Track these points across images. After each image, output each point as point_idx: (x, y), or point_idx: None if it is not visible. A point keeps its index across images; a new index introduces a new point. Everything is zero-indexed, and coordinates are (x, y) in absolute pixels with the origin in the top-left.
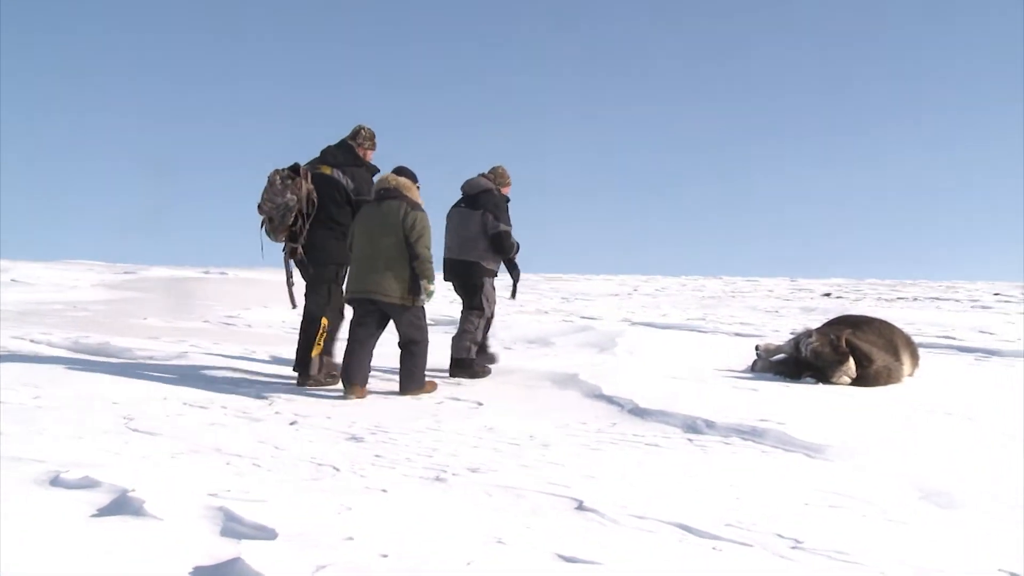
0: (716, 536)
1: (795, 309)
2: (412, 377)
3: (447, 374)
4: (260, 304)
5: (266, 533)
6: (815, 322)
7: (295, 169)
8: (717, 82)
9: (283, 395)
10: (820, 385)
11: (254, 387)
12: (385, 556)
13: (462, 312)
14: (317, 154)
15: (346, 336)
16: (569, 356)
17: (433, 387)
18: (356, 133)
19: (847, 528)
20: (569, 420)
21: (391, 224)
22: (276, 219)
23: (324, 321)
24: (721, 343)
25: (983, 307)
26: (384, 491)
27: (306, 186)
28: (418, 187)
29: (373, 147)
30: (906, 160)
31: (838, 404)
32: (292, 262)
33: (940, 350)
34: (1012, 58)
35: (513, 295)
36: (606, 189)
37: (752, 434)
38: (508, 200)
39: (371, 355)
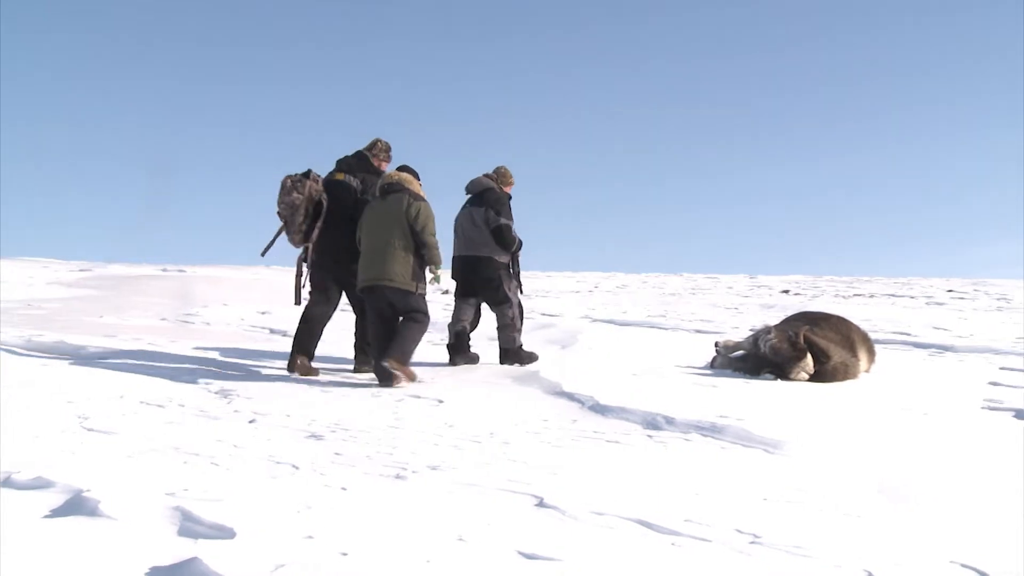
0: (675, 532)
1: (754, 306)
2: (402, 346)
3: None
4: (219, 302)
5: (224, 532)
6: (774, 319)
7: (307, 174)
8: (679, 81)
9: (241, 393)
10: (778, 381)
11: (212, 385)
12: (345, 554)
13: (495, 311)
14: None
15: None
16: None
17: (412, 377)
18: (373, 144)
19: (805, 523)
20: (530, 417)
21: (395, 215)
22: (288, 220)
23: None
24: (681, 340)
25: (937, 303)
26: (344, 489)
27: (314, 187)
28: (420, 183)
29: (388, 159)
30: (863, 159)
31: (796, 400)
32: (304, 263)
33: (896, 346)
34: (972, 57)
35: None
36: (567, 186)
37: (711, 430)
38: (510, 198)
39: (393, 328)
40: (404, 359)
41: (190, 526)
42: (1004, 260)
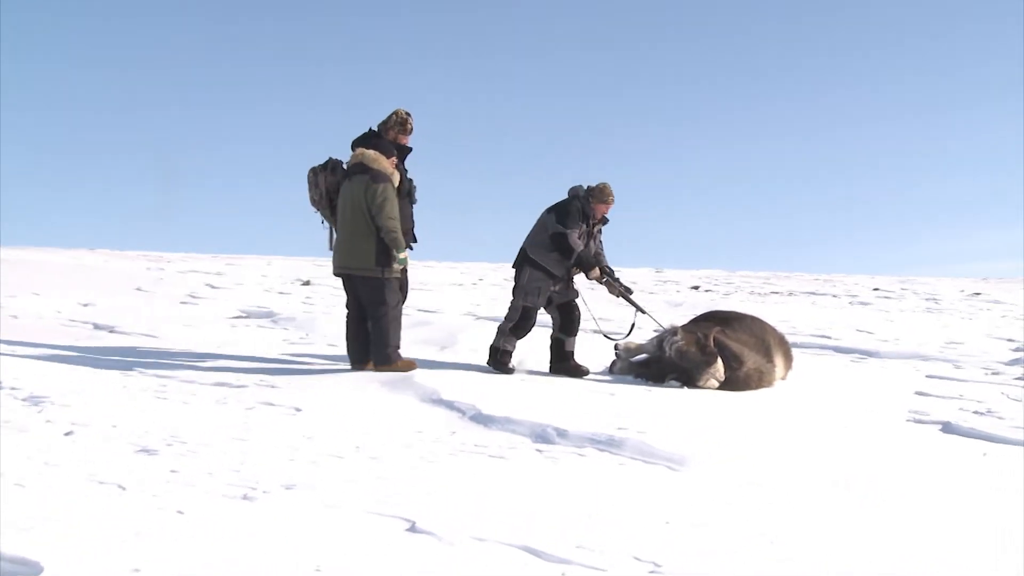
0: (566, 560)
1: (660, 303)
2: (379, 352)
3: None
4: (31, 291)
5: (29, 567)
6: (682, 318)
7: (325, 165)
8: (581, 61)
9: (57, 400)
10: (685, 389)
11: (19, 390)
12: None
13: None
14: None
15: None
16: (404, 354)
17: (409, 366)
18: (388, 118)
19: (711, 549)
20: (402, 428)
21: (356, 199)
22: (319, 211)
23: None
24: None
25: (862, 303)
26: (180, 513)
27: (330, 179)
28: (393, 158)
29: (405, 131)
30: (779, 143)
31: (704, 410)
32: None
33: (815, 350)
34: (890, 45)
35: (636, 311)
36: (448, 165)
37: (609, 444)
38: (598, 219)
39: (366, 328)
40: (389, 359)
41: None
42: (934, 257)
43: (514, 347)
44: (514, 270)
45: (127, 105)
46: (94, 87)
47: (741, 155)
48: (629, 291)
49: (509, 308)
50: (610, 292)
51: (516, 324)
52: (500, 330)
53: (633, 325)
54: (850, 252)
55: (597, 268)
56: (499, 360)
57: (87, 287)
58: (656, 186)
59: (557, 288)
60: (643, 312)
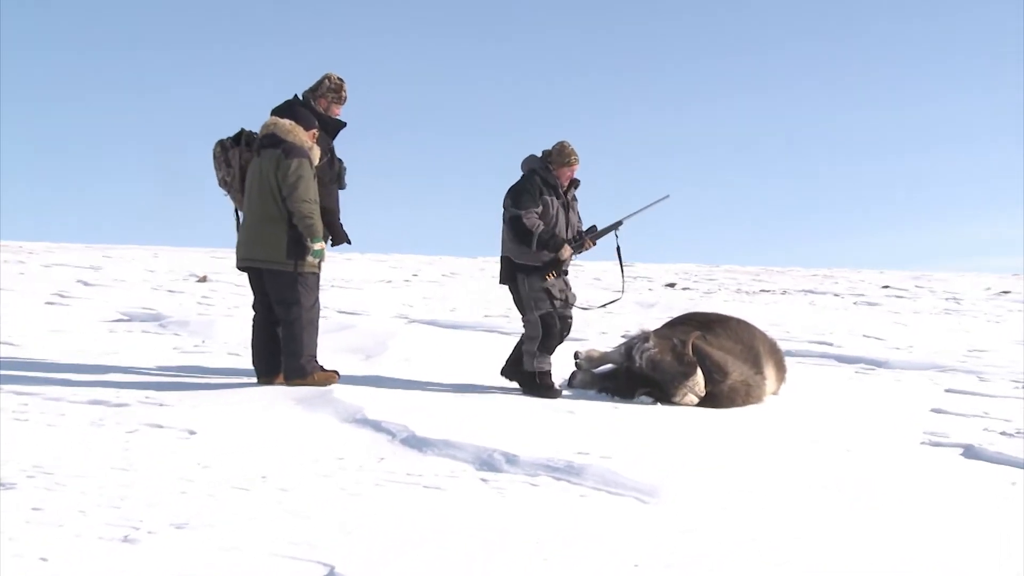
0: None
1: (629, 303)
2: (290, 363)
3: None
4: None
5: None
6: (655, 321)
7: (237, 138)
8: (540, 24)
9: None
10: (659, 405)
11: None
12: None
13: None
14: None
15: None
16: (321, 365)
17: (328, 379)
18: (319, 84)
19: None
20: (319, 454)
21: (266, 178)
22: (227, 190)
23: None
24: None
25: (869, 304)
26: (43, 560)
27: (245, 155)
28: (314, 131)
29: (339, 100)
30: (771, 117)
31: (680, 432)
32: None
33: (813, 359)
34: (904, 30)
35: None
36: (372, 136)
37: (567, 472)
38: (567, 186)
39: (276, 334)
40: (303, 370)
41: None
42: (954, 249)
43: (551, 364)
44: (506, 286)
45: None
46: None
47: (725, 131)
48: (597, 228)
49: (526, 326)
50: (590, 248)
51: (542, 340)
52: (527, 352)
53: (618, 249)
54: (855, 243)
55: (565, 245)
56: (542, 384)
57: None
58: (622, 165)
59: (563, 287)
60: (619, 224)
